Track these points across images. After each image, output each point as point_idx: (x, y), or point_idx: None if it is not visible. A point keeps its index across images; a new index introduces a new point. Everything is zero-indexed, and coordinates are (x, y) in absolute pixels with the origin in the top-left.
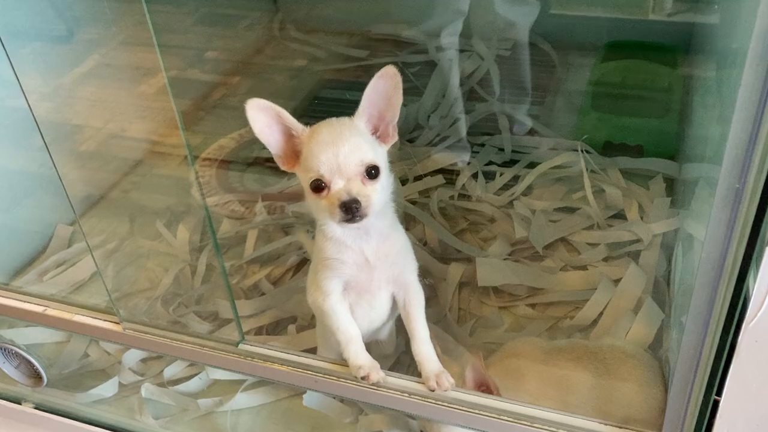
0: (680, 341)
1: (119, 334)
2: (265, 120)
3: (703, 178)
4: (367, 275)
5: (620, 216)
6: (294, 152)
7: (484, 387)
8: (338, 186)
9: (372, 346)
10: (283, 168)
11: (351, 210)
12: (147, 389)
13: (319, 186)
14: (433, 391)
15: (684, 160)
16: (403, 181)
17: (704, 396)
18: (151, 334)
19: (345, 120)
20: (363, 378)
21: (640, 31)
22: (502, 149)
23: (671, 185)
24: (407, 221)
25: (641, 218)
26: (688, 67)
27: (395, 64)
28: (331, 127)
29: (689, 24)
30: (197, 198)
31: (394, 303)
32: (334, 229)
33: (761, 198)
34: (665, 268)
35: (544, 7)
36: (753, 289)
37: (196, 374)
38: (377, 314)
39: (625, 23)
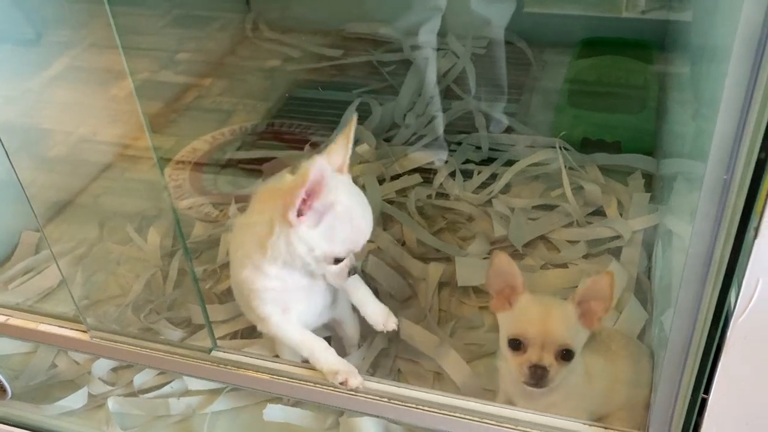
0: (665, 338)
1: (86, 343)
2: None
3: (682, 173)
4: (308, 290)
5: (599, 213)
6: None
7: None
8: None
9: (338, 340)
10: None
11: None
12: (114, 402)
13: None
14: (381, 331)
15: (662, 156)
16: (380, 181)
17: (692, 394)
18: (120, 342)
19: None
20: (341, 383)
21: (615, 28)
22: (479, 147)
23: (650, 181)
24: (384, 221)
25: (620, 215)
26: (664, 63)
27: (370, 63)
28: (362, 203)
29: (663, 21)
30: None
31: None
32: (285, 273)
33: (749, 190)
34: (646, 265)
35: (519, 5)
36: (741, 286)
37: (168, 382)
38: (323, 307)
39: (600, 21)
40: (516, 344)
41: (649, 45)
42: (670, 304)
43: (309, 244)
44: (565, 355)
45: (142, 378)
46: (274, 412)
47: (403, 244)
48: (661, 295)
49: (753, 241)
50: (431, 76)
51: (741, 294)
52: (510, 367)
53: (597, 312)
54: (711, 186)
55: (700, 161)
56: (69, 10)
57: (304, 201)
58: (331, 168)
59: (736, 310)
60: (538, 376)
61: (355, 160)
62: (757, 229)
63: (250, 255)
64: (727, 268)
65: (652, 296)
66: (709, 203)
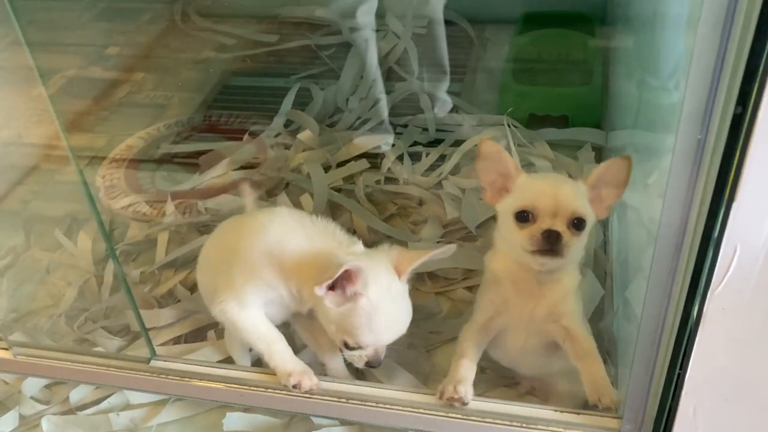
0: (630, 313)
1: (9, 361)
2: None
3: (633, 144)
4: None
5: None
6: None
7: None
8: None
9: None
10: None
11: None
12: (49, 422)
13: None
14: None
15: (611, 128)
16: (326, 168)
17: (668, 372)
18: (48, 358)
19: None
20: (294, 386)
21: (555, 2)
22: (426, 129)
23: (600, 154)
24: (332, 210)
25: None
26: (607, 33)
27: (308, 47)
28: (395, 308)
29: None
30: (103, 203)
31: None
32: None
33: (725, 149)
34: (602, 239)
35: None
36: (718, 255)
37: (107, 396)
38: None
39: None
40: (524, 216)
41: (591, 17)
42: (631, 278)
43: (327, 316)
44: (577, 224)
45: (79, 394)
46: (233, 421)
47: (354, 232)
48: (621, 270)
49: (730, 206)
50: (372, 58)
51: (718, 264)
52: (518, 241)
53: (608, 199)
54: (684, 148)
55: (649, 131)
56: None
57: (340, 280)
58: (389, 264)
59: (713, 280)
60: (552, 240)
61: (299, 147)
62: (734, 192)
63: (273, 253)
64: (702, 239)
65: (611, 271)
66: (683, 167)
